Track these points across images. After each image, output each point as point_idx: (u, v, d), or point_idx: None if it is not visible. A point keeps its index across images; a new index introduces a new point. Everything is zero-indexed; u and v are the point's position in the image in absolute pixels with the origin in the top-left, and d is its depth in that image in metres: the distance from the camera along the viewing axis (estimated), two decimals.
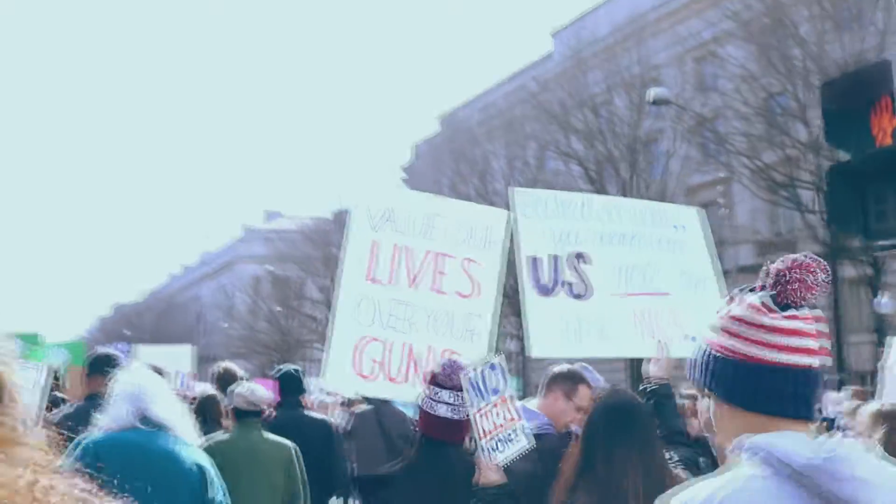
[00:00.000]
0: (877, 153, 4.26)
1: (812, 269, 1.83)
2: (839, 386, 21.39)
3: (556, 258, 4.96)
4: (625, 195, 30.92)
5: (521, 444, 3.71)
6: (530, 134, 36.09)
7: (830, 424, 7.24)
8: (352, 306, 4.84)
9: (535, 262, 4.90)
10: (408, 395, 4.95)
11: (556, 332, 4.83)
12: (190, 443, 4.17)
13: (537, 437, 3.92)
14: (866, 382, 17.54)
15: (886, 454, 4.07)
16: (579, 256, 5.02)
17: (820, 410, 10.90)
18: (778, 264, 1.86)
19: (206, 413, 6.72)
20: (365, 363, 4.80)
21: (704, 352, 1.93)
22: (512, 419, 3.73)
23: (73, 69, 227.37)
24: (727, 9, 27.63)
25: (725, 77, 28.47)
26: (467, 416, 3.71)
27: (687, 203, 33.81)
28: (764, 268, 1.89)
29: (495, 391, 3.74)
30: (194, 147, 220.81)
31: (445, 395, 3.77)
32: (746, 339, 1.83)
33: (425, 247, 5.04)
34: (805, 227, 26.12)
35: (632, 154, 31.79)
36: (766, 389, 1.80)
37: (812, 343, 1.81)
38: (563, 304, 4.88)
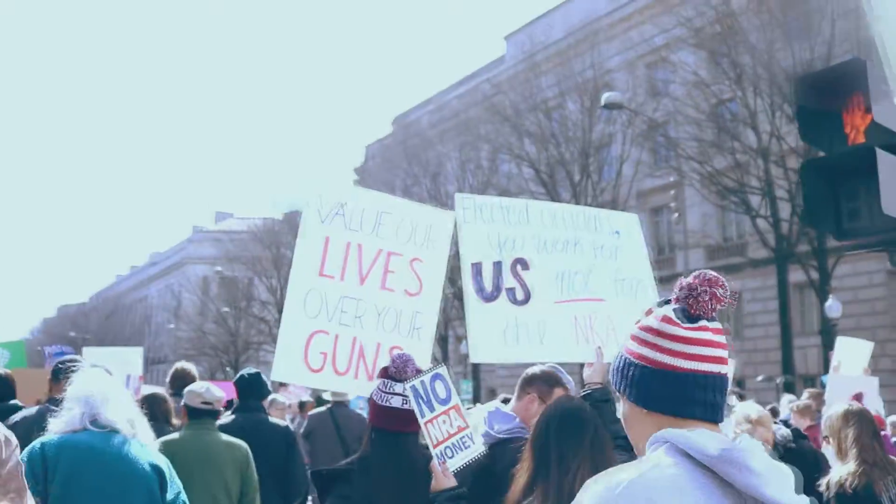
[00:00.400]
0: (850, 151, 4.25)
1: (720, 284, 1.99)
2: (787, 388, 21.70)
3: (498, 264, 4.99)
4: (577, 198, 31.23)
5: (473, 449, 3.81)
6: (483, 136, 36.18)
7: (786, 425, 7.43)
8: (301, 300, 4.87)
9: (478, 268, 4.93)
10: (353, 388, 5.05)
11: (496, 338, 4.85)
12: (145, 444, 4.10)
13: (510, 440, 3.91)
14: (814, 385, 17.80)
15: (859, 451, 3.89)
16: (520, 262, 5.07)
17: (776, 412, 11.04)
18: (689, 279, 2.00)
19: (152, 412, 6.53)
20: (314, 356, 4.81)
21: (621, 358, 2.07)
22: (462, 427, 3.83)
23: (15, 66, 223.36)
24: (680, 15, 27.92)
25: (677, 83, 28.77)
26: None
27: (638, 207, 34.27)
28: (678, 282, 2.02)
29: (443, 401, 3.83)
30: (144, 147, 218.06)
31: (398, 387, 3.86)
32: (658, 348, 1.98)
33: (377, 245, 5.10)
34: (754, 232, 26.44)
35: (584, 158, 31.99)
36: (676, 395, 1.95)
37: (719, 352, 1.96)
38: (504, 309, 4.91)
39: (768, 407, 15.83)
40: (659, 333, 1.98)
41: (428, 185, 38.63)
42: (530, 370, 4.58)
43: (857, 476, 4.61)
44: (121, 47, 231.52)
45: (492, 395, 35.49)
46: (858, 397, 7.89)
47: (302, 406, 14.41)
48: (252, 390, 7.18)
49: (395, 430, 3.86)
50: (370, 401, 4.00)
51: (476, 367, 36.18)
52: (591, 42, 34.46)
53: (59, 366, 5.92)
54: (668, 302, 2.04)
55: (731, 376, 8.70)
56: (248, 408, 7.12)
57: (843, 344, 10.48)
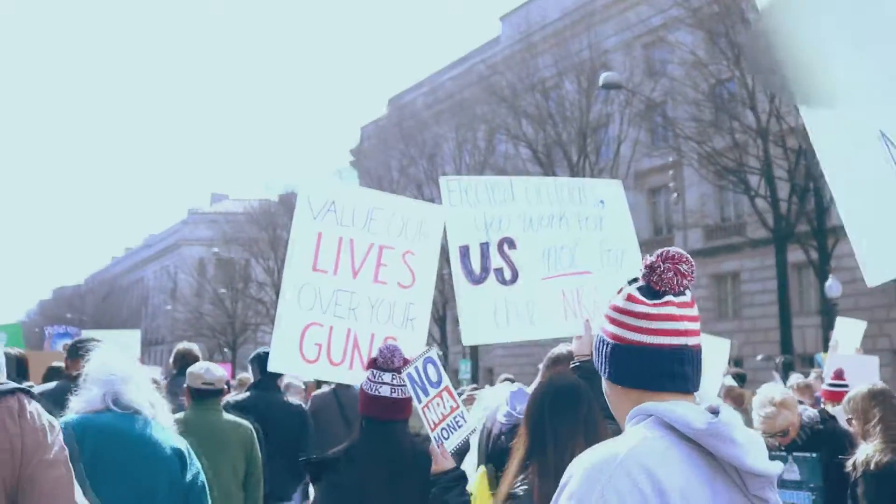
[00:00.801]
0: None
1: (683, 260, 2.07)
2: (786, 368, 21.72)
3: (485, 245, 5.04)
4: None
5: (466, 427, 3.91)
6: (480, 116, 36.06)
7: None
8: (296, 294, 5.05)
9: (465, 250, 4.98)
10: (348, 378, 5.22)
11: (487, 319, 4.91)
12: (165, 426, 4.10)
13: None
14: (813, 365, 17.81)
15: (884, 430, 3.79)
16: (507, 241, 5.11)
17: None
18: (652, 257, 2.08)
19: None
20: (308, 347, 5.00)
21: (597, 338, 2.17)
22: (454, 408, 3.92)
23: (15, 54, 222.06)
24: None
25: (674, 63, 28.64)
26: (408, 395, 3.89)
27: (636, 187, 34.22)
28: (644, 260, 2.11)
29: (435, 384, 3.92)
30: (139, 129, 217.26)
31: (387, 377, 3.94)
32: (625, 325, 2.06)
33: (368, 239, 5.25)
34: (753, 212, 26.41)
35: (581, 138, 31.91)
36: (645, 370, 2.03)
37: (684, 325, 2.03)
38: (493, 290, 4.96)
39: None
40: (625, 311, 2.07)
41: (424, 166, 38.52)
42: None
43: (883, 454, 4.61)
44: (115, 31, 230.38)
45: (489, 374, 35.59)
46: (839, 374, 7.90)
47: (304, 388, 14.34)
48: (268, 370, 7.21)
49: (384, 418, 3.92)
50: (360, 390, 4.06)
51: (474, 347, 36.23)
52: (588, 23, 34.34)
53: (77, 344, 6.00)
54: (636, 280, 2.11)
55: (727, 354, 8.57)
56: (263, 386, 7.22)
57: (840, 324, 10.54)
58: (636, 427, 1.99)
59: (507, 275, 5.03)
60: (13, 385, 2.60)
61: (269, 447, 6.22)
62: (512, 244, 5.11)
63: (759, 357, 26.72)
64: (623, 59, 32.92)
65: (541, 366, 4.62)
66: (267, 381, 7.26)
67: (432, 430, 3.82)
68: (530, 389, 4.36)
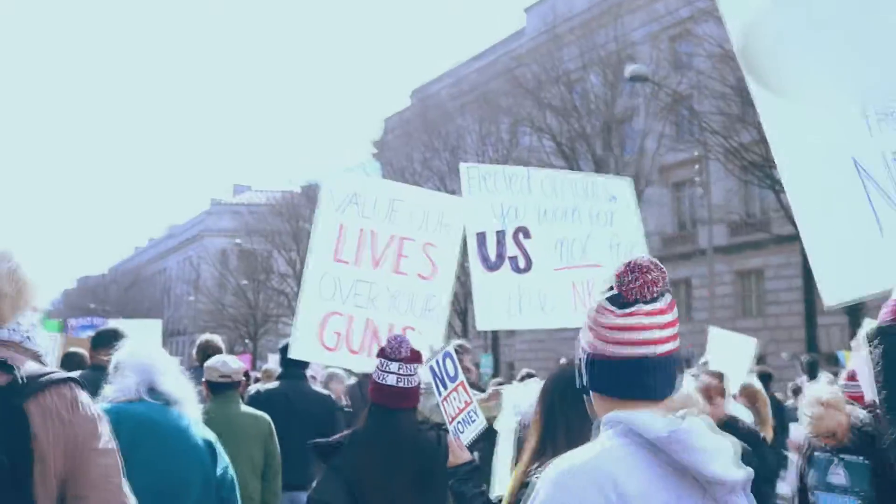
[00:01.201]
0: None
1: (648, 268, 2.13)
2: (811, 366, 21.43)
3: (501, 233, 5.15)
4: (598, 172, 30.83)
5: (479, 422, 3.95)
6: (504, 108, 35.82)
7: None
8: (317, 283, 5.17)
9: (482, 237, 5.10)
10: (366, 366, 5.21)
11: (500, 306, 5.02)
12: (195, 418, 4.15)
13: None
14: (837, 364, 17.55)
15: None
16: (522, 231, 5.22)
17: (799, 391, 10.79)
18: (619, 268, 2.15)
19: None
20: (328, 336, 5.15)
21: (579, 348, 2.25)
22: (467, 402, 3.99)
23: (39, 44, 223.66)
24: None
25: (702, 56, 28.28)
26: (415, 384, 4.06)
27: (661, 181, 33.94)
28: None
29: (452, 378, 4.05)
30: (163, 120, 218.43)
31: (394, 366, 4.06)
32: (596, 335, 2.16)
33: (389, 231, 5.36)
34: (778, 208, 26.06)
35: (606, 131, 31.62)
36: (616, 378, 2.12)
37: (653, 334, 2.10)
38: (507, 278, 5.09)
39: (791, 385, 15.56)
40: (596, 322, 2.17)
41: (447, 158, 38.34)
42: None
43: None
44: (142, 23, 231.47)
45: (510, 368, 35.45)
46: (852, 376, 7.71)
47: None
48: (295, 359, 7.26)
49: (391, 406, 4.04)
50: (370, 378, 4.21)
51: (496, 340, 36.10)
52: (614, 14, 34.01)
53: (103, 333, 5.97)
54: (611, 289, 2.18)
55: (753, 352, 8.38)
56: (291, 375, 7.33)
57: (868, 324, 10.33)
58: (603, 435, 2.12)
59: (522, 263, 5.14)
60: (65, 374, 2.65)
61: (298, 436, 6.18)
62: (527, 233, 5.22)
63: (784, 355, 26.41)
64: (649, 52, 32.58)
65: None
66: (294, 371, 7.33)
67: (450, 422, 3.94)
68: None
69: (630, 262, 2.16)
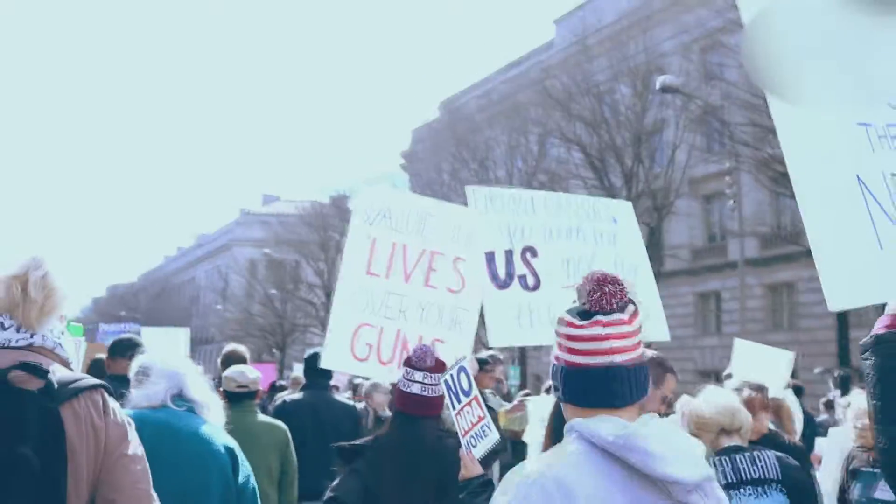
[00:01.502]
0: None
1: (608, 281, 2.28)
2: (843, 381, 21.13)
3: (509, 253, 5.28)
4: (628, 184, 30.72)
5: (492, 437, 4.02)
6: (533, 119, 35.71)
7: None
8: (350, 296, 5.30)
9: (491, 256, 5.22)
10: (396, 377, 5.38)
11: (511, 322, 5.13)
12: (218, 425, 4.19)
13: None
14: None
15: None
16: (529, 250, 5.34)
17: (832, 405, 10.59)
18: (582, 282, 2.31)
19: None
20: (360, 346, 5.26)
21: (552, 361, 2.37)
22: (481, 417, 4.05)
23: (72, 54, 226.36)
24: None
25: (732, 67, 28.05)
26: (439, 393, 4.14)
27: (691, 193, 33.69)
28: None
29: (466, 392, 4.10)
30: (193, 130, 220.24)
31: (419, 375, 4.18)
32: (560, 346, 2.30)
33: (421, 245, 5.48)
34: None
35: (636, 143, 31.42)
36: (577, 387, 2.26)
37: (612, 343, 2.21)
38: (517, 295, 5.21)
39: (823, 400, 15.28)
40: (559, 334, 2.31)
41: (475, 170, 38.27)
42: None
43: None
44: (172, 31, 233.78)
45: (537, 381, 35.25)
46: None
47: (355, 390, 14.25)
48: (321, 369, 7.31)
49: (414, 413, 4.16)
50: (396, 386, 4.37)
51: (523, 353, 35.91)
52: (644, 26, 33.85)
53: (123, 342, 5.95)
54: (574, 303, 2.34)
55: (789, 366, 8.23)
56: (316, 385, 7.46)
57: None
58: (563, 441, 2.26)
59: (531, 281, 5.27)
60: (95, 381, 2.71)
61: (324, 445, 6.41)
62: (534, 252, 5.35)
63: (817, 370, 26.07)
64: (679, 63, 32.38)
65: None
66: (319, 381, 7.45)
67: (463, 436, 4.00)
68: None
69: (589, 276, 2.30)
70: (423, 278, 5.46)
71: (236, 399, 6.05)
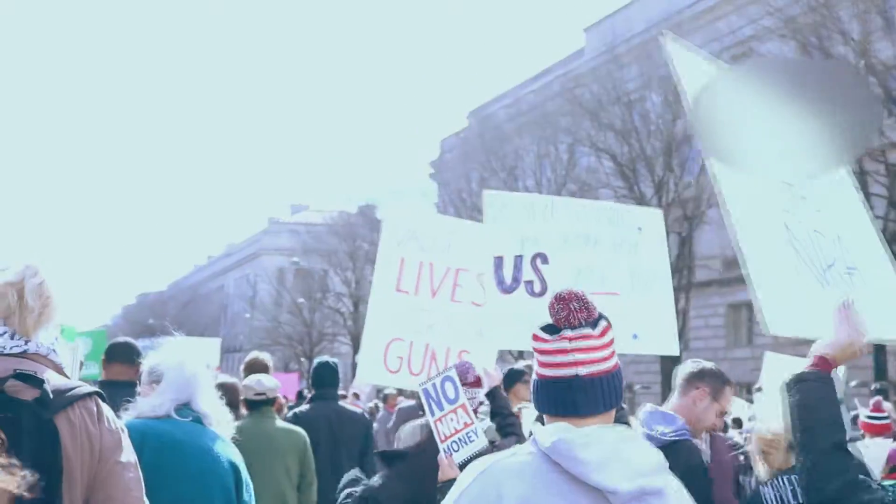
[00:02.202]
0: None
1: (573, 298, 2.41)
2: (881, 395, 20.76)
3: (519, 258, 5.31)
4: (659, 194, 30.47)
5: (479, 443, 4.13)
6: (563, 128, 35.50)
7: None
8: (381, 312, 5.59)
9: (499, 261, 5.26)
10: None
11: (513, 326, 5.11)
12: (225, 437, 4.17)
13: (678, 443, 3.89)
14: None
15: None
16: (540, 256, 5.36)
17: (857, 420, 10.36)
18: (550, 300, 2.45)
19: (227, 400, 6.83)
20: (392, 359, 5.53)
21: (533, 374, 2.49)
22: (467, 423, 4.19)
23: (101, 61, 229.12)
24: (769, 5, 26.85)
25: None
26: (475, 406, 4.35)
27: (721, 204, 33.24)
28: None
29: (451, 400, 4.25)
30: (223, 140, 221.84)
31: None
32: (535, 360, 2.43)
33: (446, 263, 5.76)
34: None
35: (667, 152, 31.14)
36: (545, 396, 2.38)
37: (576, 356, 2.34)
38: (522, 300, 5.24)
39: (852, 413, 15.04)
40: (534, 348, 2.44)
41: (504, 178, 38.15)
42: (698, 364, 4.40)
43: None
44: (202, 37, 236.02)
45: None
46: (878, 406, 7.55)
47: (385, 399, 14.30)
48: (329, 379, 7.53)
49: None
50: None
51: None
52: (676, 34, 33.48)
53: (116, 345, 5.93)
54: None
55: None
56: (325, 396, 7.47)
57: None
58: (526, 445, 2.38)
59: (538, 287, 5.31)
60: (90, 388, 2.72)
61: (337, 454, 6.65)
62: (545, 259, 5.37)
63: (853, 383, 25.66)
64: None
65: (679, 380, 4.49)
66: (328, 391, 7.54)
67: (442, 442, 4.14)
68: (665, 408, 4.39)
69: (558, 295, 2.43)
70: (449, 294, 5.74)
71: (255, 406, 6.37)
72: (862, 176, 24.05)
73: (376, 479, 4.13)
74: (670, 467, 3.72)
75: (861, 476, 2.72)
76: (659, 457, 2.32)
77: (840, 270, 3.51)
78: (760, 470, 3.96)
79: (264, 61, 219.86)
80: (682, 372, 4.39)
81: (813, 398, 2.83)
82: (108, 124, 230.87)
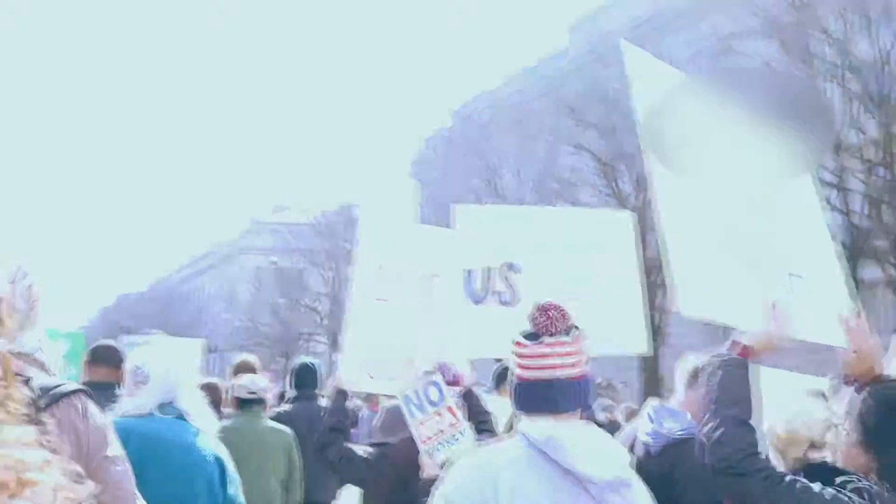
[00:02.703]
0: None
1: (551, 308, 2.66)
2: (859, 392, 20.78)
3: (490, 270, 5.37)
4: (638, 191, 30.50)
5: (463, 443, 4.25)
6: (545, 127, 35.54)
7: None
8: (359, 319, 5.65)
9: (470, 274, 5.33)
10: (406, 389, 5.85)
11: (486, 337, 5.19)
12: (208, 433, 4.20)
13: (686, 441, 3.95)
14: None
15: None
16: (510, 266, 5.41)
17: None
18: (531, 310, 2.68)
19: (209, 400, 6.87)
20: (371, 367, 5.61)
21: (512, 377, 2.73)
22: (453, 424, 4.37)
23: (83, 60, 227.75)
24: (752, 4, 26.95)
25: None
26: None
27: None
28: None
29: (434, 403, 4.42)
30: (204, 139, 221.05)
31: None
32: (515, 363, 2.67)
33: (421, 270, 5.80)
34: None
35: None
36: (525, 397, 2.64)
37: (553, 361, 2.58)
38: (492, 310, 5.31)
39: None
40: (514, 353, 2.67)
41: (486, 176, 38.15)
42: (704, 359, 4.30)
43: None
44: (182, 37, 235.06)
45: None
46: None
47: (367, 399, 14.18)
48: (309, 380, 7.80)
49: None
50: None
51: None
52: (659, 33, 33.71)
53: (99, 347, 5.85)
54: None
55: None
56: (305, 397, 7.68)
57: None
58: (512, 440, 2.61)
59: (508, 297, 5.37)
60: (75, 385, 2.73)
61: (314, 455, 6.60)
62: (516, 269, 5.42)
63: (830, 378, 25.78)
64: (692, 70, 32.15)
65: (684, 376, 4.54)
66: (307, 392, 7.72)
67: (422, 443, 4.31)
68: (670, 404, 4.45)
69: (539, 305, 2.67)
70: (425, 302, 5.81)
71: (246, 405, 6.59)
72: (840, 172, 24.20)
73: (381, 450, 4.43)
74: (680, 464, 3.96)
75: (759, 450, 3.01)
76: (626, 454, 2.65)
77: (781, 273, 3.61)
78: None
79: (247, 61, 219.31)
80: (685, 367, 4.43)
81: (730, 378, 3.09)
82: (88, 122, 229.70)
